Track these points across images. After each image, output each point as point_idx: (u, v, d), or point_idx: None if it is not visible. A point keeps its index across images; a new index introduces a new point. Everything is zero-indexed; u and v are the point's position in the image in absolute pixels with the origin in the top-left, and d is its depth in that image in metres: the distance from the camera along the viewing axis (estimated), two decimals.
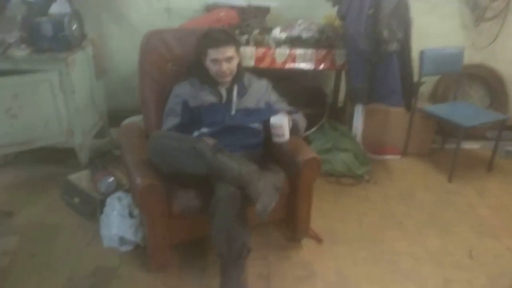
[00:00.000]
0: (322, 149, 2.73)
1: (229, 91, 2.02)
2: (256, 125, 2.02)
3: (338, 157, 2.71)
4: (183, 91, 2.02)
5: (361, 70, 2.49)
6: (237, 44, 2.00)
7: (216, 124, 1.95)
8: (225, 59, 1.92)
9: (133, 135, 2.09)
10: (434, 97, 3.38)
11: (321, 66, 2.69)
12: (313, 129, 2.94)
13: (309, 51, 2.65)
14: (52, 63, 2.44)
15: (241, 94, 2.03)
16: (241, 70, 2.06)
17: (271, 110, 2.05)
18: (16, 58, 2.40)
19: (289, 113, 2.00)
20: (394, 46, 2.35)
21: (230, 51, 1.92)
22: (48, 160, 2.79)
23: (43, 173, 2.68)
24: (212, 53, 1.91)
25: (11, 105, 2.39)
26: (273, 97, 2.13)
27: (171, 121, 1.97)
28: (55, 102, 2.51)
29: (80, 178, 2.38)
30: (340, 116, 3.24)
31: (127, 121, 2.74)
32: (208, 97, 1.99)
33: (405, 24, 2.43)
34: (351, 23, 2.42)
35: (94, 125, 2.90)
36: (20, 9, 2.38)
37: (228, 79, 1.98)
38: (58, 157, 2.80)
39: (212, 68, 1.95)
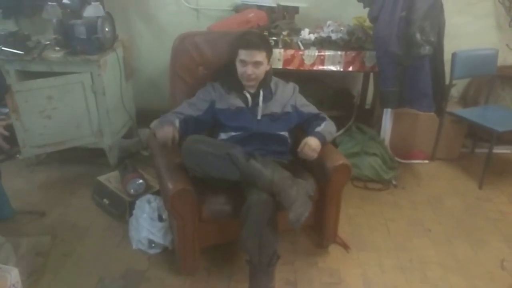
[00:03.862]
0: (350, 153, 2.70)
1: (255, 96, 2.02)
2: (283, 133, 2.02)
3: (365, 161, 2.68)
4: (212, 90, 2.04)
5: (392, 73, 2.44)
6: (269, 51, 2.00)
7: (243, 129, 1.95)
8: (253, 63, 1.92)
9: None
10: (465, 99, 3.30)
11: (350, 68, 2.66)
12: (340, 132, 2.91)
13: (338, 53, 2.62)
14: (85, 65, 2.49)
15: (266, 99, 2.03)
16: (268, 76, 2.06)
17: (299, 115, 2.06)
18: (50, 60, 2.47)
19: (318, 119, 2.02)
20: (426, 50, 2.30)
21: (259, 56, 1.92)
22: (79, 159, 2.86)
23: (74, 173, 2.75)
24: (242, 54, 1.93)
25: (45, 107, 2.47)
26: (300, 100, 2.12)
27: (187, 110, 1.96)
28: (86, 104, 2.57)
29: (110, 179, 2.43)
30: (367, 119, 3.20)
31: (157, 122, 2.77)
32: (235, 101, 2.00)
33: (439, 27, 2.38)
34: (382, 26, 2.37)
35: (123, 125, 2.95)
36: (55, 11, 2.43)
37: (253, 83, 1.99)
38: (88, 156, 2.87)
39: (240, 69, 1.96)
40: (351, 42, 2.63)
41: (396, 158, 2.93)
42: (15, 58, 2.43)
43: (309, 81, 3.06)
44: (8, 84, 2.31)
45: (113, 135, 2.76)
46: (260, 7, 2.91)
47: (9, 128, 2.51)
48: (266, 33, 2.72)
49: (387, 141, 2.86)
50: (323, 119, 2.06)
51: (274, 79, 2.14)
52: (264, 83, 2.04)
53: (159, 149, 1.92)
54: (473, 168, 2.91)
